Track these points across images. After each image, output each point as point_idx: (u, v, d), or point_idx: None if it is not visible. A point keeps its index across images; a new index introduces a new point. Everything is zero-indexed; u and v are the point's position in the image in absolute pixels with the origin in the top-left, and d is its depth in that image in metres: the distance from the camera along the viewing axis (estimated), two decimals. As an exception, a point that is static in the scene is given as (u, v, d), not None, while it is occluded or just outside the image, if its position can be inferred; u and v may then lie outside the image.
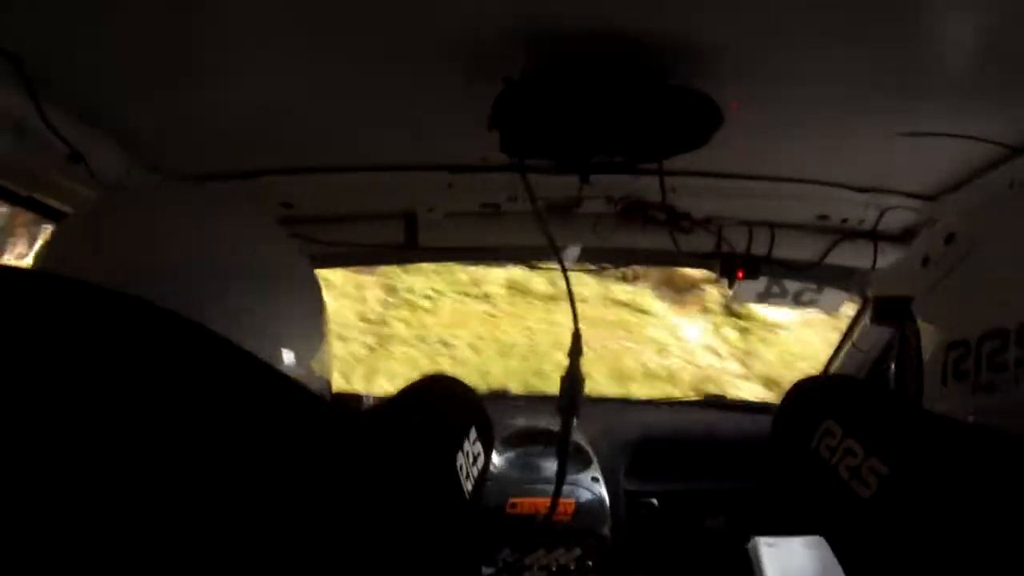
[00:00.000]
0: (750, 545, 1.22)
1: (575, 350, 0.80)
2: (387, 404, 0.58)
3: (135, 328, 0.41)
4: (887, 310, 0.69)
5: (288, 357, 0.53)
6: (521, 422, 1.36)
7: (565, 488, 1.15)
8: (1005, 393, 0.54)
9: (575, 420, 0.82)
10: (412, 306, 4.83)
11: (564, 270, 0.85)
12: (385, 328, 4.62)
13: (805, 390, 0.69)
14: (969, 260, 0.60)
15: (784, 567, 1.18)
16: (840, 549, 0.55)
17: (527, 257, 1.18)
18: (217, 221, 0.55)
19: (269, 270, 0.56)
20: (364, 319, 4.63)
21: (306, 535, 0.39)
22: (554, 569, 1.15)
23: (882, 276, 0.73)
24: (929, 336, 0.63)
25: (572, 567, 1.16)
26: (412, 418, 0.57)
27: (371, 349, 4.40)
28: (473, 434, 0.61)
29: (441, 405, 0.63)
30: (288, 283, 0.57)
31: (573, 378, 0.80)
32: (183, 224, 0.53)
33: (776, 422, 0.67)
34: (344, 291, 4.64)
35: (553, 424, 1.22)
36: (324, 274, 0.80)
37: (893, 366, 0.72)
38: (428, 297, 4.92)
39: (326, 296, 0.61)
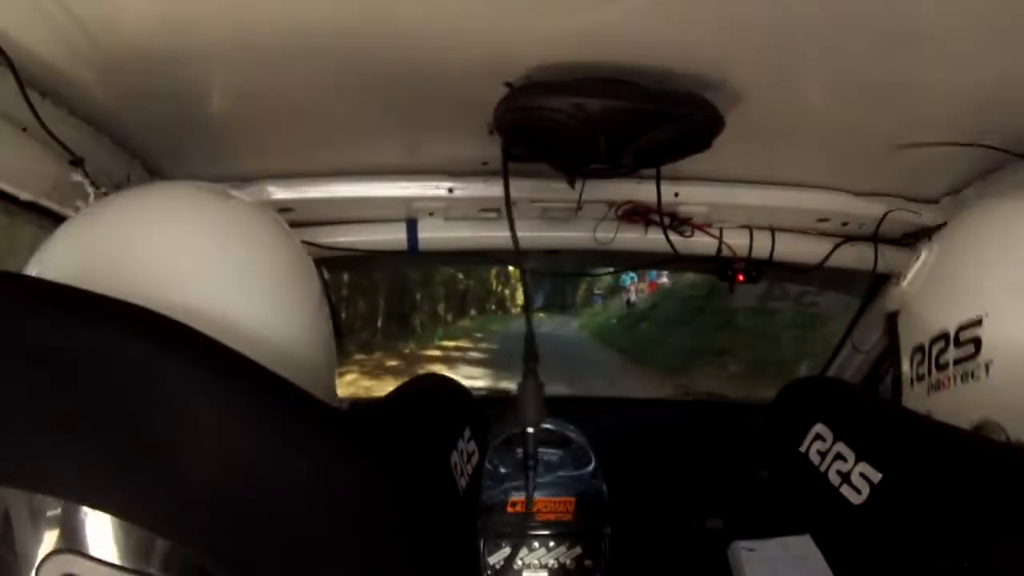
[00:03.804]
0: (730, 549, 1.21)
1: (529, 356, 0.79)
2: (382, 403, 0.58)
3: (126, 331, 0.40)
4: (890, 324, 0.71)
5: (285, 357, 0.51)
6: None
7: (566, 485, 1.15)
8: (948, 390, 0.57)
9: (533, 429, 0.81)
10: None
11: (523, 273, 0.83)
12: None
13: (796, 392, 0.68)
14: (929, 275, 0.65)
15: (765, 571, 1.18)
16: (831, 555, 0.54)
17: (527, 261, 1.17)
18: (216, 220, 0.53)
19: (269, 269, 0.54)
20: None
21: (300, 534, 0.40)
22: (554, 567, 1.15)
23: (889, 295, 0.76)
24: (903, 344, 0.66)
25: (571, 566, 1.16)
26: (407, 417, 0.57)
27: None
28: (468, 433, 0.61)
29: (435, 404, 0.63)
30: (291, 282, 0.55)
31: (530, 385, 0.79)
32: (174, 224, 0.51)
33: (768, 424, 0.66)
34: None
35: (554, 423, 1.23)
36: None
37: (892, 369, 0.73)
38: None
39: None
